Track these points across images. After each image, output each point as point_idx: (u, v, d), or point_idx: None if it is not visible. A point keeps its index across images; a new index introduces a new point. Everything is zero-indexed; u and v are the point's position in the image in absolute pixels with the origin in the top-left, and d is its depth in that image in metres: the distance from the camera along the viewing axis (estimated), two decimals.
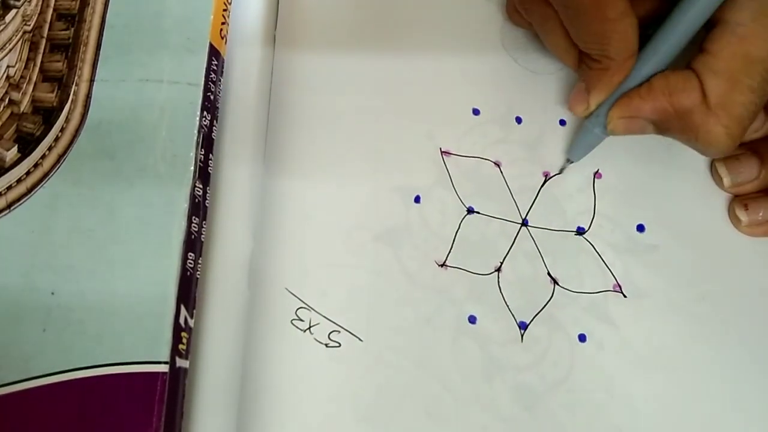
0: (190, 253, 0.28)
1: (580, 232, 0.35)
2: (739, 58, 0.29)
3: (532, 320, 0.33)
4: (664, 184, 0.37)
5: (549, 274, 0.34)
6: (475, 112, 0.37)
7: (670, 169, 0.37)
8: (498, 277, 0.34)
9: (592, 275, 0.35)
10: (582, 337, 0.33)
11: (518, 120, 0.37)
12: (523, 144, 0.37)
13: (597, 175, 0.36)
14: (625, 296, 0.34)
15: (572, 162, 0.36)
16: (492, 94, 0.38)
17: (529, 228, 0.35)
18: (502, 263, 0.34)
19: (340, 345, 0.32)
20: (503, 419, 0.31)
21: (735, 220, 0.36)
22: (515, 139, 0.37)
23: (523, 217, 0.35)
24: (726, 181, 0.36)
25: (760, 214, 0.35)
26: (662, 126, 0.33)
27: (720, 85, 0.30)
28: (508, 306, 0.33)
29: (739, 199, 0.36)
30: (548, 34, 0.35)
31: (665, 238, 0.35)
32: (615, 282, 0.34)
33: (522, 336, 0.33)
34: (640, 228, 0.36)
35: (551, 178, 0.36)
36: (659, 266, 0.35)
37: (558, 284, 0.34)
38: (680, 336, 0.33)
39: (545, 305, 0.34)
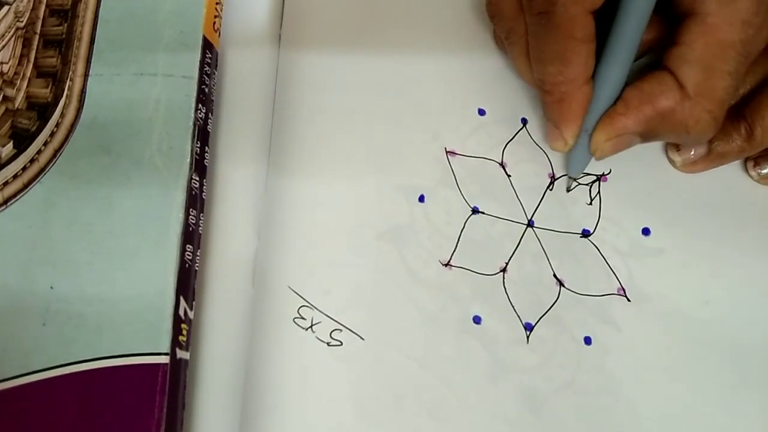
0: (188, 245, 0.32)
1: (586, 234, 0.39)
2: (712, 47, 0.34)
3: (538, 321, 0.37)
4: (670, 188, 0.41)
5: (555, 275, 0.38)
6: (481, 112, 0.42)
7: (675, 172, 0.41)
8: (503, 278, 0.38)
9: (597, 278, 0.38)
10: (588, 340, 0.37)
11: (524, 121, 0.42)
12: (529, 145, 0.41)
13: (603, 178, 0.40)
14: (629, 300, 0.38)
15: (575, 179, 0.40)
16: (498, 95, 0.42)
17: (534, 229, 0.39)
18: (507, 264, 0.38)
19: (341, 344, 0.36)
20: (508, 421, 0.35)
21: (670, 162, 0.41)
22: (521, 140, 0.41)
23: (529, 217, 0.39)
24: (678, 162, 0.41)
25: (692, 152, 0.40)
26: (650, 134, 0.37)
27: (698, 73, 0.34)
28: (513, 307, 0.37)
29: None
30: (513, 47, 0.39)
31: (670, 242, 0.39)
32: (619, 286, 0.38)
33: (528, 337, 0.37)
34: (646, 231, 0.39)
35: (557, 179, 0.41)
36: (664, 270, 0.39)
37: (564, 286, 0.38)
38: (683, 341, 0.37)
39: (551, 306, 0.37)
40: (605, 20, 0.35)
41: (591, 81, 0.36)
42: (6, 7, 0.36)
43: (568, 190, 0.40)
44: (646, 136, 0.37)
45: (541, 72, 0.37)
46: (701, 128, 0.35)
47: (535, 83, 0.38)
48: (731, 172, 0.41)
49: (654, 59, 0.38)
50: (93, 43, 0.36)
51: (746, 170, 0.41)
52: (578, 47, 0.35)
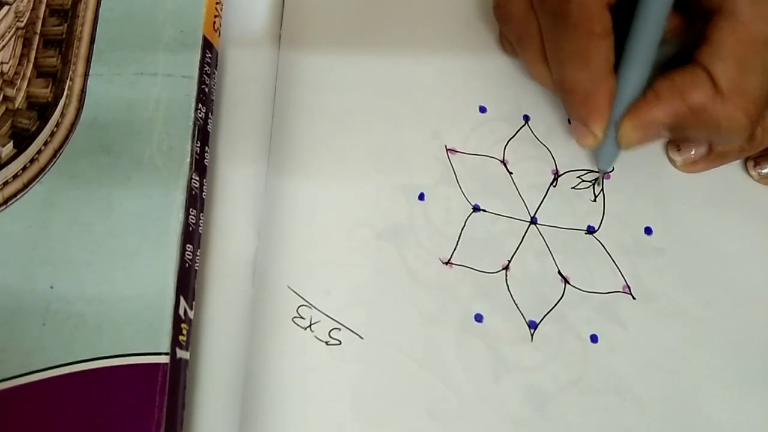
0: (188, 245, 0.32)
1: (591, 231, 0.39)
2: (745, 43, 0.33)
3: (542, 319, 0.37)
4: (671, 187, 0.41)
5: (559, 272, 0.38)
6: (482, 109, 0.42)
7: (675, 171, 0.41)
8: (506, 276, 0.38)
9: (603, 275, 0.38)
10: (594, 338, 0.37)
11: (526, 118, 0.42)
12: (531, 142, 0.41)
13: (606, 175, 0.41)
14: (634, 298, 0.38)
15: (606, 172, 0.40)
16: (499, 92, 0.42)
17: (538, 226, 0.39)
18: (510, 261, 0.38)
19: (340, 343, 0.36)
20: (512, 420, 0.35)
21: (671, 161, 0.41)
22: (523, 137, 0.41)
23: (532, 215, 0.40)
24: (679, 161, 0.41)
25: (692, 152, 0.40)
26: (678, 127, 0.36)
27: (731, 70, 0.34)
28: (516, 304, 0.37)
29: (671, 141, 0.41)
30: (525, 50, 0.39)
31: (672, 241, 0.39)
32: (624, 283, 0.38)
33: (532, 335, 0.37)
34: (648, 230, 0.39)
35: (560, 176, 0.41)
36: (666, 269, 0.39)
37: (569, 283, 0.38)
38: (687, 339, 0.37)
39: (556, 304, 0.37)
40: (623, 6, 0.35)
41: (614, 73, 0.36)
42: (6, 7, 0.36)
43: (596, 184, 0.40)
44: (674, 130, 0.37)
45: (562, 72, 0.36)
46: (734, 127, 0.35)
47: (554, 84, 0.38)
48: (731, 172, 0.41)
49: (679, 46, 0.38)
50: (93, 43, 0.36)
51: (746, 170, 0.41)
52: (598, 43, 0.35)
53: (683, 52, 0.37)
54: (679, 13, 0.37)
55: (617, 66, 0.36)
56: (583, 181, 0.40)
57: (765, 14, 0.33)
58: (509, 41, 0.40)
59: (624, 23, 0.36)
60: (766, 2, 0.33)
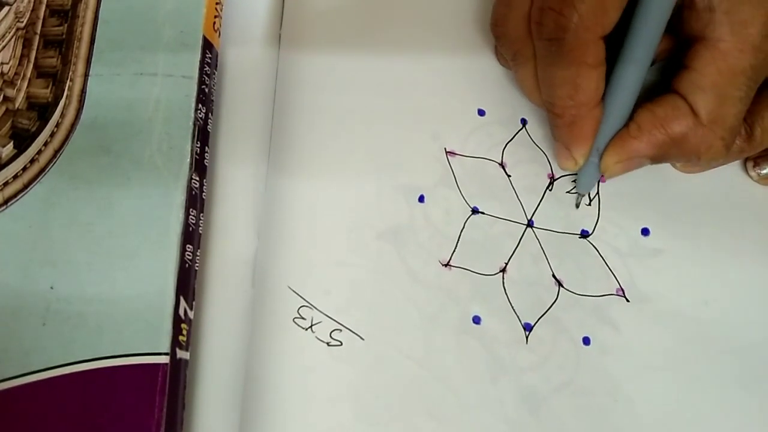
0: (188, 245, 0.32)
1: (584, 235, 0.39)
2: (725, 73, 0.34)
3: (537, 322, 0.37)
4: (669, 188, 0.41)
5: (554, 275, 0.38)
6: (481, 112, 0.42)
7: (674, 172, 0.41)
8: (503, 278, 0.38)
9: (596, 278, 0.38)
10: (586, 340, 0.37)
11: (523, 121, 0.42)
12: (529, 145, 0.41)
13: (602, 179, 0.40)
14: (627, 300, 0.38)
15: (583, 195, 0.40)
16: (498, 95, 0.42)
17: (534, 229, 0.39)
18: (507, 264, 0.38)
19: (341, 344, 0.36)
20: (507, 421, 0.35)
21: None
22: (520, 141, 0.41)
23: (529, 218, 0.40)
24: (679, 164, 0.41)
25: None
26: (660, 157, 0.37)
27: (711, 101, 0.34)
28: (512, 307, 0.37)
29: None
30: (519, 68, 0.39)
31: (670, 242, 0.39)
32: (618, 286, 0.38)
33: (527, 337, 0.37)
34: (645, 231, 0.40)
35: (556, 180, 0.41)
36: (663, 270, 0.39)
37: (563, 286, 0.38)
38: (682, 341, 0.37)
39: (550, 307, 0.38)
40: (614, 38, 0.35)
41: (601, 103, 0.36)
42: (6, 8, 0.36)
43: (577, 206, 0.40)
44: (656, 159, 0.37)
45: (551, 95, 0.37)
46: (712, 154, 0.36)
47: (544, 105, 0.38)
48: (731, 172, 0.41)
49: (661, 67, 0.39)
50: (93, 43, 0.36)
51: (746, 170, 0.41)
52: (589, 73, 0.35)
53: (661, 77, 0.37)
54: (670, 35, 0.37)
55: (606, 85, 0.37)
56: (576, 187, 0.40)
57: (744, 44, 0.33)
58: (504, 56, 0.40)
59: (613, 48, 0.36)
60: (746, 32, 0.33)
